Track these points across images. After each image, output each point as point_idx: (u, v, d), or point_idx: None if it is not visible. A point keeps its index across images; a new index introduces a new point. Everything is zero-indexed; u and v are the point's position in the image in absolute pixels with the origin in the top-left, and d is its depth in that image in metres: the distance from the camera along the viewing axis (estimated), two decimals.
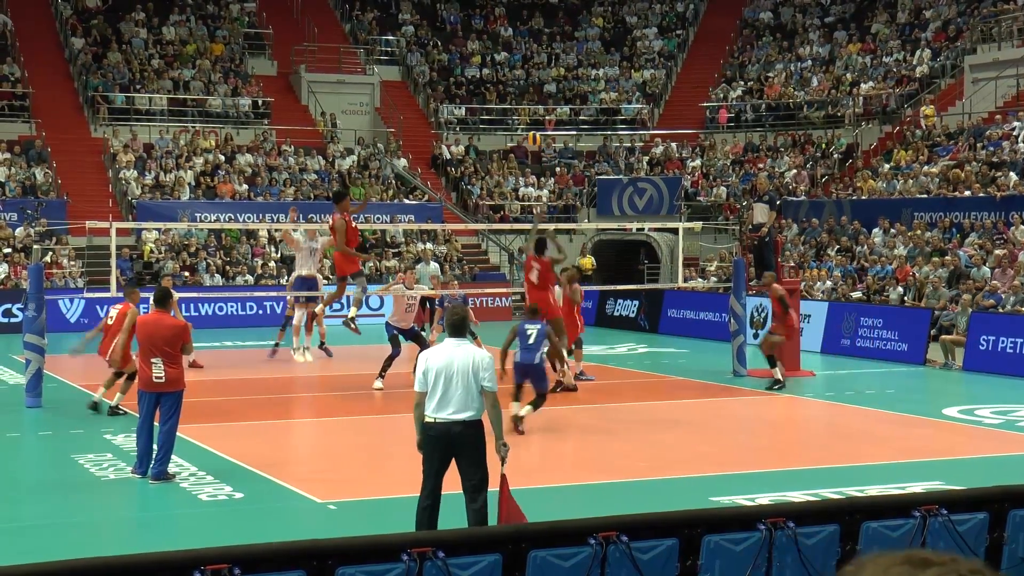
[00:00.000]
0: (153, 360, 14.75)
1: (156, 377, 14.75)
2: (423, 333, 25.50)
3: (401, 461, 15.53)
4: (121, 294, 21.01)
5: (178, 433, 15.23)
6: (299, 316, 26.86)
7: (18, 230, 37.66)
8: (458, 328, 11.28)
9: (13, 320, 33.01)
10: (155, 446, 15.03)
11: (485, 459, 11.06)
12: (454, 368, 10.92)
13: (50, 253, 35.95)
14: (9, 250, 37.05)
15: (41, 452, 18.03)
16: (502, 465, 10.80)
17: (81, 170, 42.11)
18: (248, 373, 26.37)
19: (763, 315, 30.45)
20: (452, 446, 10.96)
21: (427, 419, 11.02)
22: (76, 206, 38.44)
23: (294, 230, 27.41)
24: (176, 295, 23.86)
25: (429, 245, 41.31)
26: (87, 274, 36.58)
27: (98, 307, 34.98)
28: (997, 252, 31.28)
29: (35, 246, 23.17)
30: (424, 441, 11.10)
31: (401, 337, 23.96)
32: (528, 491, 14.27)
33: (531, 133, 47.66)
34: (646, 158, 48.14)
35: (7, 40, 45.87)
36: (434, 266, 33.71)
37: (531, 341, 19.33)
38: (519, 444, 17.52)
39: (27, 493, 14.86)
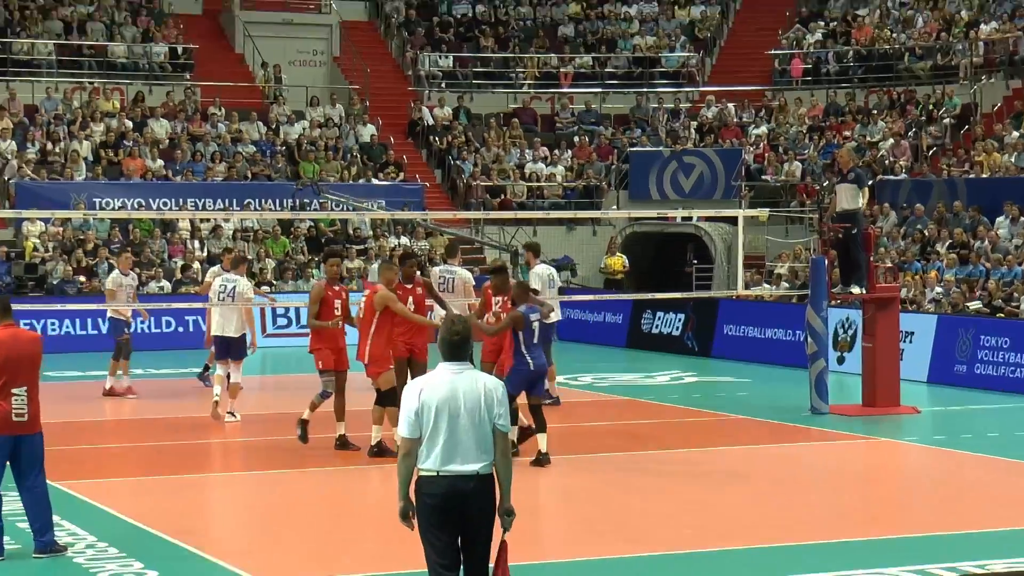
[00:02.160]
0: (16, 391, 14.29)
1: (17, 414, 14.27)
2: None
3: (367, 526, 15.52)
4: None
5: (72, 492, 15.14)
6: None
7: None
8: (457, 349, 10.70)
9: None
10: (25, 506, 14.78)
11: (493, 526, 10.66)
12: (460, 403, 10.45)
13: None
14: None
15: None
16: (503, 533, 10.57)
17: None
18: (163, 410, 26.33)
19: (851, 332, 30.44)
20: (463, 509, 10.46)
21: (425, 473, 10.52)
22: None
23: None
24: None
25: (404, 240, 41.32)
26: None
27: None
28: None
29: None
30: (422, 506, 10.53)
31: None
32: (539, 567, 14.26)
33: None
34: (694, 124, 48.15)
35: None
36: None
37: (537, 339, 20.18)
38: (529, 507, 17.56)
39: None
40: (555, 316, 24.03)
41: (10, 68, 44.73)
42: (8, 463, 14.53)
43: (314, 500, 18.61)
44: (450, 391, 10.46)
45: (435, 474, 10.41)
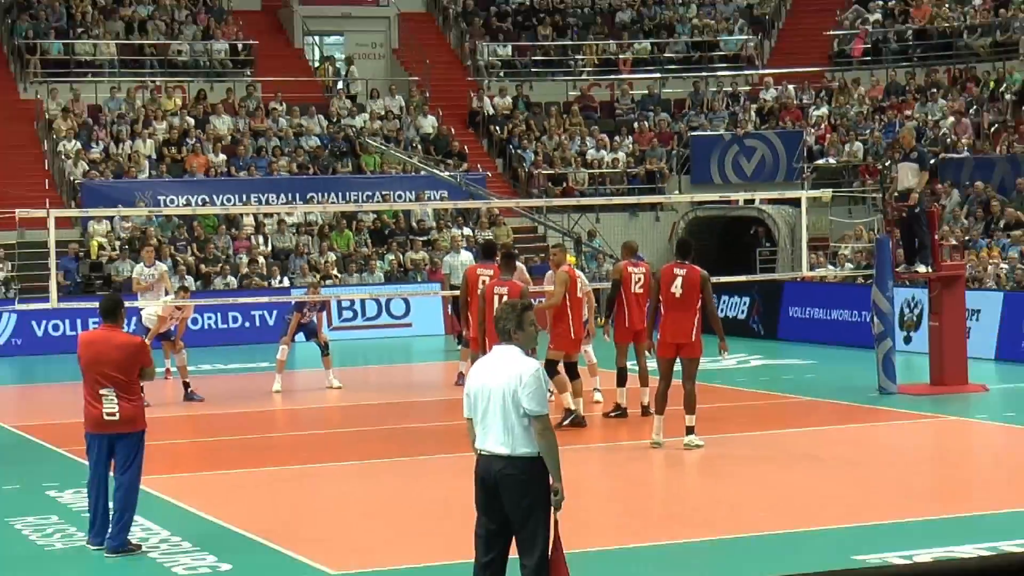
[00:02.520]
0: (103, 391, 14.53)
1: (108, 414, 14.51)
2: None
3: (435, 518, 15.73)
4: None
5: (144, 486, 15.19)
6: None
7: None
8: (504, 333, 11.05)
9: None
10: (111, 506, 14.90)
11: (538, 508, 10.81)
12: (491, 385, 10.83)
13: None
14: None
15: None
16: (553, 516, 10.77)
17: (7, 142, 42.36)
18: (233, 406, 26.51)
19: (917, 311, 30.30)
20: (496, 487, 10.82)
21: (476, 452, 11.02)
22: (2, 190, 38.56)
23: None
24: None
25: (467, 230, 41.29)
26: (18, 279, 36.72)
27: (34, 323, 35.21)
28: None
29: None
30: (476, 484, 11.02)
31: None
32: (607, 553, 14.27)
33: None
34: (755, 107, 47.99)
35: None
36: (467, 256, 33.62)
37: None
38: (593, 491, 17.51)
39: None
40: None
41: (73, 69, 45.07)
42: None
43: (382, 491, 18.46)
44: (484, 376, 10.96)
45: (478, 452, 10.96)
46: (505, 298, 20.16)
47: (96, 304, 17.43)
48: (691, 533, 15.54)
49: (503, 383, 10.70)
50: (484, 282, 22.64)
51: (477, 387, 10.84)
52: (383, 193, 41.18)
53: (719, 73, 50.43)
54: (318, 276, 36.29)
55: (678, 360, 20.60)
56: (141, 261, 29.32)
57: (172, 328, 27.06)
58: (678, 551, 14.79)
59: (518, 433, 10.66)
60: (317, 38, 49.37)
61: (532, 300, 19.79)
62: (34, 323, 35.44)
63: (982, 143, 42.20)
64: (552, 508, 10.78)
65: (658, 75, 50.46)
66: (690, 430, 20.36)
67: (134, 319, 27.02)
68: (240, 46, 47.30)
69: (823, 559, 13.30)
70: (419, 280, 39.43)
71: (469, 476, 11.17)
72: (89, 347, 14.84)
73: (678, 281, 20.71)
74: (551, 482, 10.75)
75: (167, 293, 27.71)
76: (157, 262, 29.17)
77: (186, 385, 26.81)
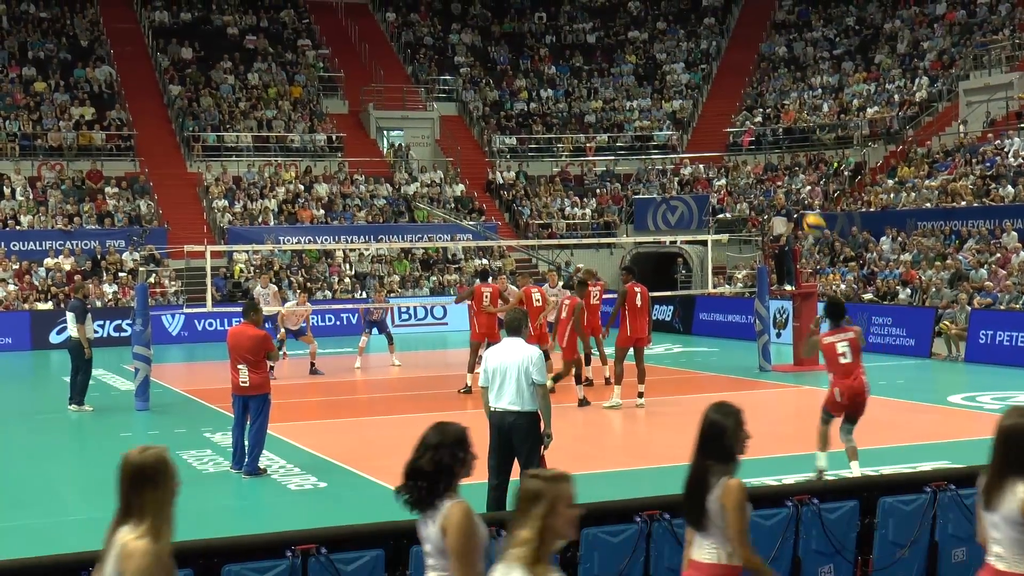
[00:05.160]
0: (239, 367, 14.71)
1: (242, 382, 14.72)
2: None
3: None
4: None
5: (269, 431, 15.22)
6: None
7: (125, 255, 38.00)
8: (513, 328, 11.19)
9: (123, 334, 33.17)
10: (247, 443, 14.97)
11: (535, 446, 10.92)
12: (507, 364, 10.85)
13: (153, 275, 36.26)
14: (124, 273, 37.33)
15: None
16: (543, 450, 10.94)
17: (179, 201, 42.44)
18: (327, 377, 26.38)
19: (785, 316, 30.27)
20: (507, 433, 10.90)
21: (490, 408, 11.05)
22: (175, 233, 38.68)
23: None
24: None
25: (484, 261, 41.30)
26: (186, 292, 36.81)
27: (196, 321, 35.28)
28: (993, 257, 30.96)
29: (141, 269, 23.38)
30: (490, 428, 11.07)
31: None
32: (579, 476, 14.20)
33: None
34: (677, 179, 47.93)
35: (114, 89, 46.29)
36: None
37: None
38: (569, 434, 17.50)
39: None
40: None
41: (223, 152, 45.04)
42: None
43: None
44: (500, 357, 10.95)
45: (493, 409, 10.94)
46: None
47: (238, 308, 17.54)
48: (636, 464, 15.53)
49: (518, 361, 10.78)
50: (487, 296, 22.59)
51: (495, 365, 10.89)
52: (428, 236, 41.06)
53: (653, 156, 50.34)
54: (385, 290, 36.40)
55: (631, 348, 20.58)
56: (259, 284, 29.15)
57: (303, 325, 26.95)
58: (627, 475, 14.71)
59: (527, 396, 10.78)
60: (385, 132, 49.21)
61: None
62: (196, 321, 35.44)
63: (828, 204, 42.14)
64: (542, 446, 10.89)
65: (612, 158, 50.41)
66: (641, 394, 20.34)
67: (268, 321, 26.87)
68: (334, 137, 47.19)
69: None
70: (452, 293, 39.22)
71: (485, 424, 11.11)
72: (232, 337, 14.96)
73: (638, 295, 20.61)
74: (543, 428, 10.88)
75: (284, 302, 27.58)
76: (270, 284, 29.00)
77: (312, 364, 26.75)
